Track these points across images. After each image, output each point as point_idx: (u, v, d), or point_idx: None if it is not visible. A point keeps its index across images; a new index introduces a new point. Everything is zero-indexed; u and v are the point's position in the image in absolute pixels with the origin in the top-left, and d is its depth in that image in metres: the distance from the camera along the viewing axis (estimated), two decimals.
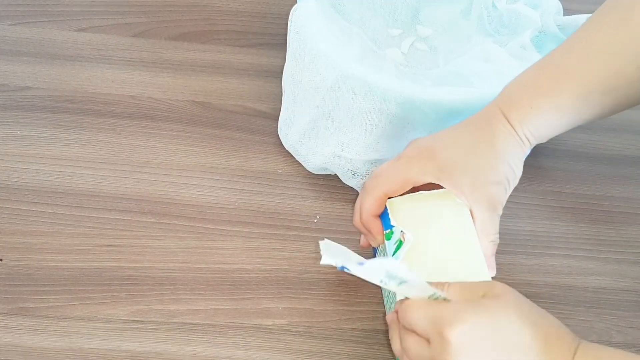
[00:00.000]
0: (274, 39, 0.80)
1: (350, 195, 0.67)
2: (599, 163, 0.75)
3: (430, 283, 0.47)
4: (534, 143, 0.57)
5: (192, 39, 0.80)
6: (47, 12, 0.79)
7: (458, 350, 0.44)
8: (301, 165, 0.69)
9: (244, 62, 0.79)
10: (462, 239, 0.53)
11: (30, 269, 0.59)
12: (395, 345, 0.50)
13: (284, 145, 0.70)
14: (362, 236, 0.60)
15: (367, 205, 0.56)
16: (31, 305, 0.56)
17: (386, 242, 0.55)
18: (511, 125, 0.55)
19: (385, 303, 0.59)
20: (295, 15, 0.65)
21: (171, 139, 0.70)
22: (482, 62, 0.72)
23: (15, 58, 0.74)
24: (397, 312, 0.49)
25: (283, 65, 0.69)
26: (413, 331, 0.47)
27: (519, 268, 0.65)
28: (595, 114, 0.58)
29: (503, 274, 0.57)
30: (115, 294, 0.58)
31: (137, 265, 0.60)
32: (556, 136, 0.58)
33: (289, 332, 0.58)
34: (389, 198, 0.56)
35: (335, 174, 0.68)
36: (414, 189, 0.55)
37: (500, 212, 0.55)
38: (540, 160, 0.74)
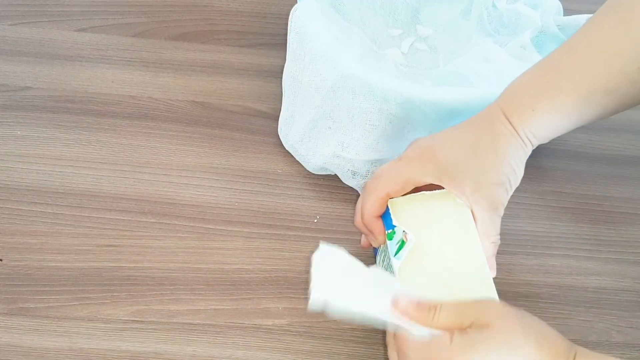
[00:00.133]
0: (274, 39, 0.80)
1: (351, 195, 0.67)
2: (599, 163, 0.75)
3: (422, 303, 0.47)
4: (536, 144, 0.57)
5: (192, 39, 0.80)
6: (47, 12, 0.79)
7: None
8: (301, 165, 0.69)
9: (244, 62, 0.79)
10: (463, 240, 0.53)
11: (30, 269, 0.59)
12: None
13: (284, 145, 0.70)
14: (363, 236, 0.60)
15: (368, 206, 0.56)
16: (31, 306, 0.56)
17: (388, 242, 0.55)
18: (513, 126, 0.55)
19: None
20: (295, 15, 0.65)
21: (171, 139, 0.70)
22: (482, 62, 0.72)
23: (15, 58, 0.74)
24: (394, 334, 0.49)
25: (283, 66, 0.69)
26: None
27: (519, 268, 0.65)
28: (597, 115, 0.57)
29: (503, 274, 0.57)
30: (115, 294, 0.58)
31: (137, 265, 0.60)
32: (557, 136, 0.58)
33: (289, 332, 0.58)
34: (390, 198, 0.56)
35: (335, 174, 0.68)
36: (416, 190, 0.55)
37: (502, 213, 0.55)
38: (541, 160, 0.74)
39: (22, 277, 0.58)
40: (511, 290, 0.63)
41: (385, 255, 0.56)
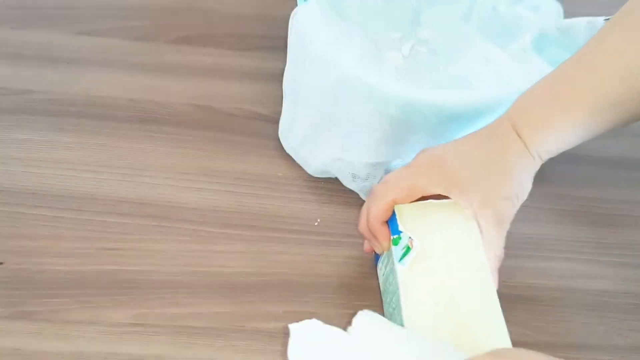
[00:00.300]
0: (275, 42, 0.80)
1: (351, 198, 0.67)
2: (600, 166, 0.75)
3: None
4: (546, 159, 0.57)
5: (193, 42, 0.80)
6: (48, 15, 0.79)
7: None
8: (302, 168, 0.69)
9: (245, 65, 0.79)
10: (468, 251, 0.53)
11: (31, 272, 0.58)
12: None
13: (285, 148, 0.70)
14: (366, 241, 0.60)
15: (374, 211, 0.56)
16: (32, 309, 0.56)
17: (393, 247, 0.55)
18: (523, 141, 0.55)
19: (384, 303, 0.59)
20: (295, 18, 0.65)
21: (172, 142, 0.70)
22: (482, 65, 0.72)
23: (16, 61, 0.74)
24: None
25: (284, 68, 0.69)
26: None
27: (520, 271, 0.65)
28: (606, 128, 0.57)
29: (505, 277, 0.57)
30: (116, 297, 0.58)
31: (138, 268, 0.60)
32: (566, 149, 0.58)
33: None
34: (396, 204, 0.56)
35: (335, 177, 0.68)
36: (422, 198, 0.55)
37: (508, 227, 0.55)
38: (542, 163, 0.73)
39: (23, 281, 0.58)
40: (513, 293, 0.62)
41: (388, 261, 0.56)
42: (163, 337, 0.56)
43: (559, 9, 0.74)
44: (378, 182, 0.63)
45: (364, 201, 0.61)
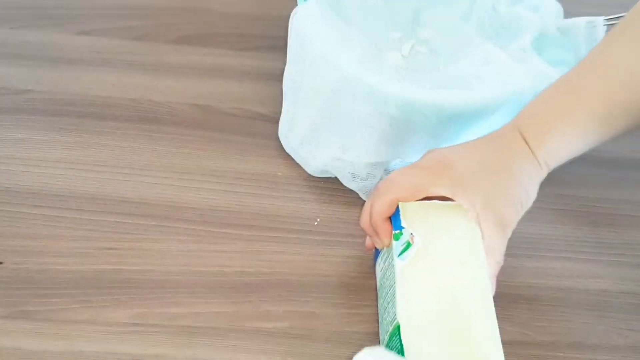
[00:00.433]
0: (275, 42, 0.80)
1: (351, 198, 0.67)
2: (600, 165, 0.75)
3: None
4: (553, 167, 0.57)
5: (193, 42, 0.80)
6: (48, 15, 0.79)
7: None
8: (302, 168, 0.69)
9: (245, 65, 0.79)
10: (468, 254, 0.53)
11: (30, 272, 0.58)
12: None
13: (285, 148, 0.70)
14: (367, 237, 0.60)
15: (377, 207, 0.56)
16: (32, 309, 0.56)
17: (394, 242, 0.55)
18: (530, 149, 0.55)
19: (379, 298, 0.59)
20: (295, 18, 0.65)
21: (172, 142, 0.70)
22: (482, 65, 0.72)
23: (16, 61, 0.74)
24: None
25: (284, 68, 0.69)
26: None
27: (520, 271, 0.65)
28: (613, 135, 0.57)
29: (505, 277, 0.57)
30: (116, 297, 0.58)
31: (138, 268, 0.60)
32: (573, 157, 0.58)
33: (289, 335, 0.58)
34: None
35: (335, 177, 0.68)
36: (427, 198, 0.56)
37: (509, 234, 0.55)
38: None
39: (23, 280, 0.58)
40: (512, 293, 0.62)
41: (388, 256, 0.56)
42: (163, 337, 0.56)
43: (559, 9, 0.74)
44: (378, 182, 0.63)
45: (363, 201, 0.61)
